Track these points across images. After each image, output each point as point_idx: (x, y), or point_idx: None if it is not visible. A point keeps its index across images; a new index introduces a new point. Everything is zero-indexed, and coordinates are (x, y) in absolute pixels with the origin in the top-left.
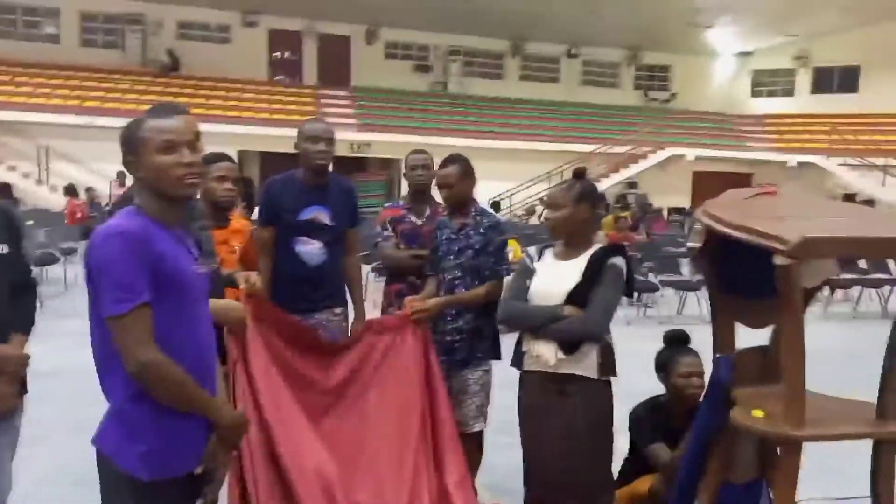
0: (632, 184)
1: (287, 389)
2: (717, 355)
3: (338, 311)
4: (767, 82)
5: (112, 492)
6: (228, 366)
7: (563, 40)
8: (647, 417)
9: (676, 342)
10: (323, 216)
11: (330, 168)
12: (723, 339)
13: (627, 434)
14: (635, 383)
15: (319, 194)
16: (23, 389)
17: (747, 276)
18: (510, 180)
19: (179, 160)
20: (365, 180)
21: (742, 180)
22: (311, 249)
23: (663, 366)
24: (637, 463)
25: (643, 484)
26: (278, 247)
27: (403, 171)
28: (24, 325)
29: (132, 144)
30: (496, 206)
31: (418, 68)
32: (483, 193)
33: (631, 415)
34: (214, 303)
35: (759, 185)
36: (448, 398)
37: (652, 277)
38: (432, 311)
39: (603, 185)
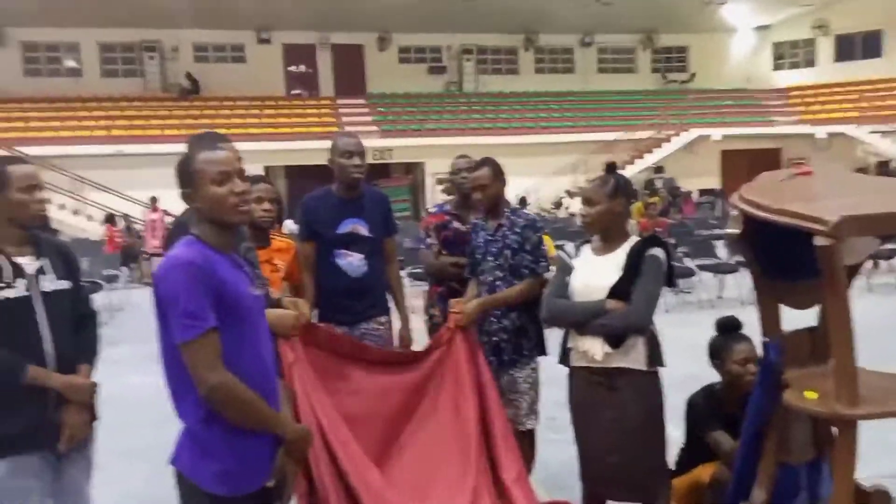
0: (658, 168)
1: (343, 403)
2: (766, 339)
3: (382, 319)
4: (788, 54)
5: None
6: (284, 371)
7: (575, 30)
8: (704, 405)
9: (729, 328)
10: (360, 228)
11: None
12: (769, 322)
13: (678, 423)
14: (678, 369)
15: (355, 207)
16: (94, 416)
17: (789, 259)
18: (534, 175)
19: (232, 189)
20: (388, 186)
21: (771, 156)
22: (351, 261)
23: (718, 353)
24: (694, 451)
25: (703, 472)
26: (319, 261)
27: (448, 174)
28: (89, 357)
29: (187, 177)
30: (522, 201)
31: (433, 70)
32: (509, 190)
33: (687, 403)
34: (269, 313)
35: (789, 160)
36: (499, 397)
37: (688, 262)
38: (472, 314)
39: (628, 172)
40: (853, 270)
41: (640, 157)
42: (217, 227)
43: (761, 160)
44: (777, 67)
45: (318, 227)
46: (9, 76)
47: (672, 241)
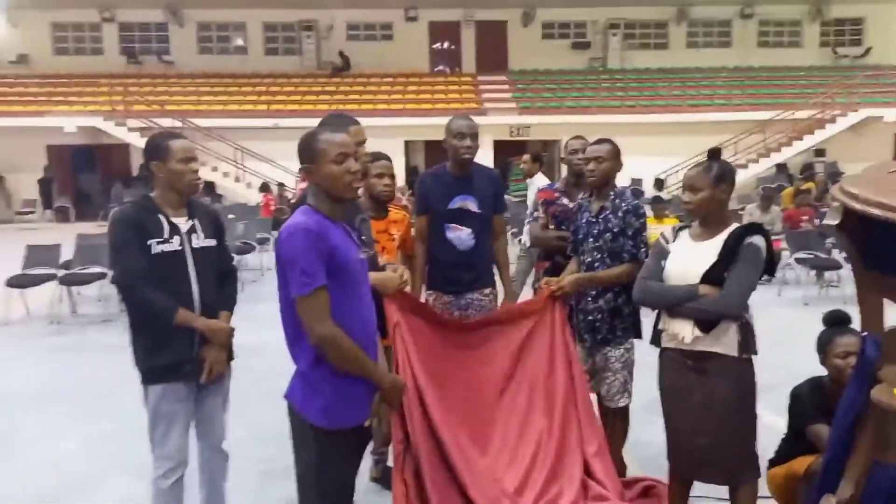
0: (819, 152)
1: (437, 363)
2: (864, 333)
3: (487, 291)
4: None
5: (299, 437)
6: (389, 329)
7: (734, 1)
8: (808, 397)
9: (837, 322)
10: (470, 204)
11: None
12: (870, 317)
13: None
14: (810, 365)
15: (466, 184)
16: (230, 356)
17: (892, 252)
18: (678, 155)
19: (348, 168)
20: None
21: None
22: (460, 235)
23: (823, 347)
24: (796, 443)
25: (801, 464)
26: (431, 234)
27: (562, 154)
28: (229, 305)
29: (310, 154)
30: (660, 183)
31: (576, 46)
32: (648, 170)
33: (792, 394)
34: (374, 275)
35: None
36: (583, 372)
37: (836, 254)
38: (567, 287)
39: (784, 155)
40: None
41: (800, 138)
42: (332, 199)
43: None
44: None
45: (432, 201)
46: (185, 53)
47: (818, 230)
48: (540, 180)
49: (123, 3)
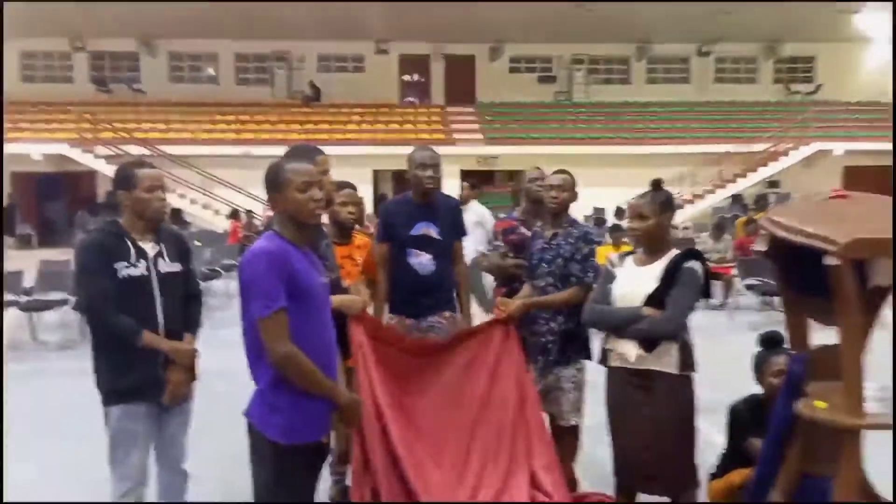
0: (773, 183)
1: (396, 383)
2: (792, 352)
3: (447, 314)
4: None
5: (258, 453)
6: (352, 350)
7: (692, 39)
8: (745, 413)
9: (772, 343)
10: (432, 231)
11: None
12: (796, 336)
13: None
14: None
15: (428, 212)
16: (193, 377)
17: (815, 276)
18: (639, 186)
19: (312, 196)
20: (491, 192)
21: None
22: (422, 261)
23: (758, 366)
24: (735, 457)
25: (738, 476)
26: (394, 259)
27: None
28: (193, 327)
29: (276, 183)
30: (621, 212)
31: (542, 80)
32: (611, 199)
33: (730, 410)
34: (338, 298)
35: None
36: (535, 391)
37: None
38: (515, 312)
39: (740, 186)
40: (884, 291)
41: (754, 170)
42: (296, 225)
43: (886, 177)
44: None
45: (394, 228)
46: (156, 82)
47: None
48: (475, 206)
49: (95, 33)
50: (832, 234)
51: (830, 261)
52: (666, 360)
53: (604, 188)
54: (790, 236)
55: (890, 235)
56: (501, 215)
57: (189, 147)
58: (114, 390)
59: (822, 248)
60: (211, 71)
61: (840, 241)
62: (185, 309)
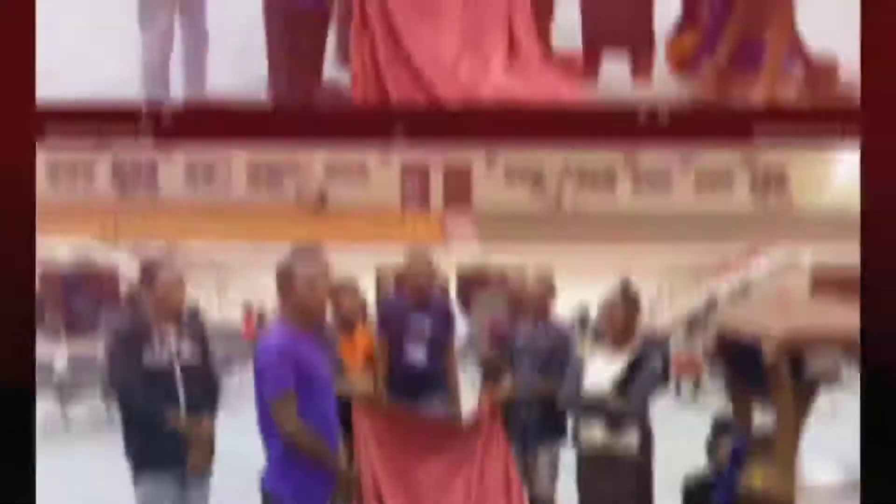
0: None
1: (395, 462)
2: (736, 434)
3: (439, 404)
4: None
5: None
6: (355, 436)
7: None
8: (697, 486)
9: (722, 426)
10: (426, 327)
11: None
12: (740, 420)
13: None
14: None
15: (423, 309)
16: (212, 452)
17: (752, 367)
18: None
19: (316, 295)
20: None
21: None
22: (417, 355)
23: (711, 448)
24: None
25: None
26: (391, 353)
27: None
28: (212, 408)
29: (284, 282)
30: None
31: (534, 188)
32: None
33: (683, 483)
34: (341, 383)
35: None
36: (517, 476)
37: None
38: (498, 401)
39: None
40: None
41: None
42: (302, 319)
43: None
44: None
45: (392, 324)
46: (173, 187)
47: None
48: None
49: (116, 146)
50: (768, 330)
51: (766, 354)
52: (628, 442)
53: (592, 289)
54: (729, 335)
55: (812, 330)
56: None
57: (204, 246)
58: (141, 462)
59: (755, 344)
60: (224, 178)
61: (774, 336)
62: (205, 392)
